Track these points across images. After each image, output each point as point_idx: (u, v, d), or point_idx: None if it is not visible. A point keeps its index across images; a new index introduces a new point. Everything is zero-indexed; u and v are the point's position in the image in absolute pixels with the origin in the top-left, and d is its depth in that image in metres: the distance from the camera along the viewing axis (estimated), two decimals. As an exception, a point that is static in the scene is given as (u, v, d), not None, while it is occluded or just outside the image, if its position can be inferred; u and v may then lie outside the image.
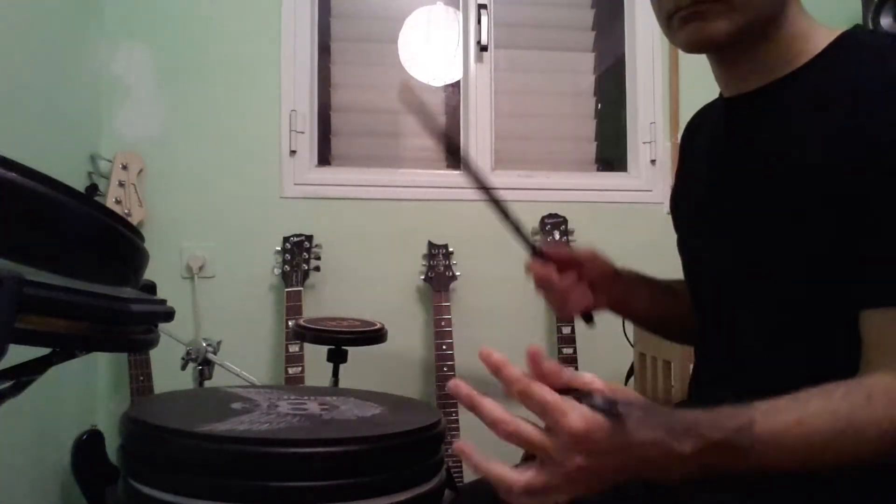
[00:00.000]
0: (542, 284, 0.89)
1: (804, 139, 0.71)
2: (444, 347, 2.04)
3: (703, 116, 0.96)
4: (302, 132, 2.19)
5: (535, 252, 0.88)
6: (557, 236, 2.11)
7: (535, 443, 0.57)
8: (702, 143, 0.92)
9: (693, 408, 0.90)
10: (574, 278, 0.90)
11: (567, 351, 2.05)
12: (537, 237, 2.21)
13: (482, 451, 0.60)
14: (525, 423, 0.58)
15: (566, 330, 2.09)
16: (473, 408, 0.59)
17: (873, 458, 0.61)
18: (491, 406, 0.59)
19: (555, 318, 2.13)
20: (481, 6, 2.30)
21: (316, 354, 1.66)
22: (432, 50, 2.36)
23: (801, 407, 0.60)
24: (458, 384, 0.60)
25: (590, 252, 0.93)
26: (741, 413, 0.59)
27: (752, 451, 0.59)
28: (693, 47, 0.76)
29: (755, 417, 0.59)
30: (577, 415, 0.55)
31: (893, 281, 0.64)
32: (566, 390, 0.59)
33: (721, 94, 0.87)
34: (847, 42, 0.73)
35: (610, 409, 0.55)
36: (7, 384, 0.54)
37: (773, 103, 0.76)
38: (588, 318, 0.93)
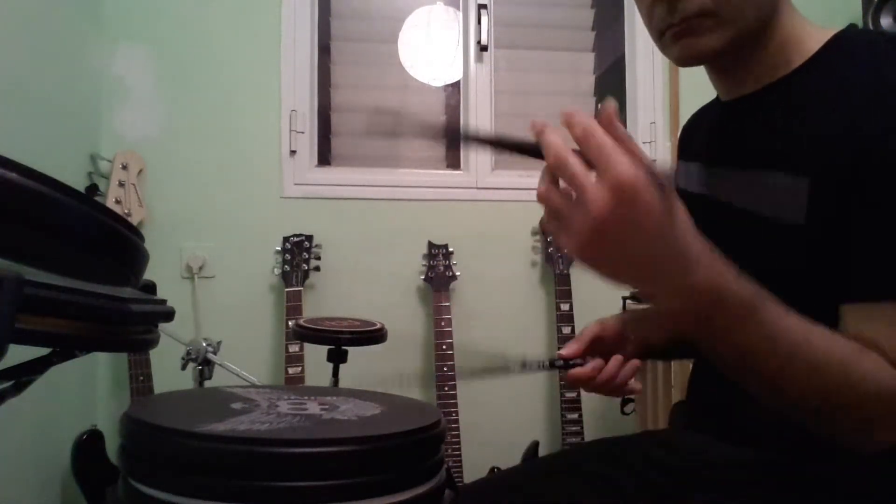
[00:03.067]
0: (599, 383, 0.85)
1: (801, 142, 0.71)
2: (444, 347, 2.04)
3: (701, 118, 0.96)
4: (302, 132, 2.19)
5: (564, 365, 0.83)
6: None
7: (577, 173, 0.51)
8: (699, 145, 0.93)
9: (693, 404, 0.90)
10: (605, 361, 0.85)
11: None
12: (537, 236, 2.22)
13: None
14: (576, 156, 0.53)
15: (566, 330, 2.09)
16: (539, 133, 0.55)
17: (839, 410, 0.60)
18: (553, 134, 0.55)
19: (555, 321, 2.13)
20: (481, 6, 2.30)
21: (316, 354, 1.66)
22: (432, 50, 2.36)
23: (809, 327, 0.59)
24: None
25: (597, 328, 0.88)
26: (760, 290, 0.57)
27: (754, 321, 0.56)
28: (686, 62, 0.77)
29: (768, 298, 0.57)
30: (631, 162, 0.49)
31: (881, 275, 0.64)
32: None
33: (718, 97, 0.87)
34: (841, 42, 0.73)
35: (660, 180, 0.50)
36: (7, 384, 0.54)
37: (769, 106, 0.77)
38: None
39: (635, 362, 0.87)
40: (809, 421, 0.63)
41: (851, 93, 0.67)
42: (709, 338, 0.58)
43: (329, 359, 1.53)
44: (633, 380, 0.87)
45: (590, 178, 0.51)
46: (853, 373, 0.59)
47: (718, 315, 0.56)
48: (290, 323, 1.93)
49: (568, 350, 0.84)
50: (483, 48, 2.30)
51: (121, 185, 1.93)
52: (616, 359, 0.85)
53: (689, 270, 0.53)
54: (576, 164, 0.52)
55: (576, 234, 0.52)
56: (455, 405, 2.00)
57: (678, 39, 0.75)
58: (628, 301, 1.98)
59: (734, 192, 0.54)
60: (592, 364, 0.84)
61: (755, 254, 0.74)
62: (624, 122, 2.67)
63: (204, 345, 1.52)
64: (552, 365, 0.84)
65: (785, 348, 0.58)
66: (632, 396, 1.98)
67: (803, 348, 0.58)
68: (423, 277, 2.13)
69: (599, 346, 0.86)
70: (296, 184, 2.18)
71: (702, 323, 0.57)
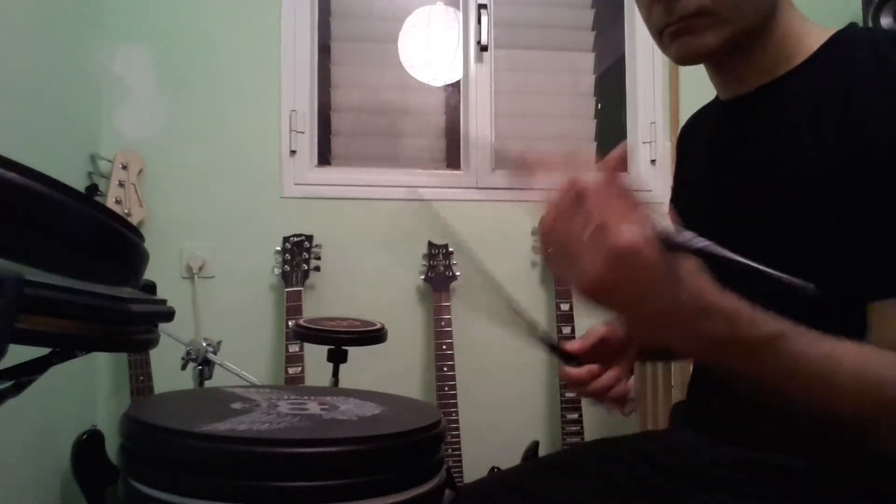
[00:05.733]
0: (590, 390, 0.85)
1: (802, 140, 0.71)
2: (444, 347, 2.04)
3: (700, 118, 0.96)
4: (302, 132, 2.19)
5: (563, 356, 0.84)
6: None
7: (572, 232, 0.52)
8: (699, 146, 0.92)
9: (693, 404, 0.90)
10: (603, 369, 0.86)
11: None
12: (537, 236, 2.22)
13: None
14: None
15: (566, 330, 2.09)
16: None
17: (886, 418, 0.59)
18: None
19: (555, 321, 2.13)
20: (481, 6, 2.30)
21: (316, 354, 1.66)
22: (432, 50, 2.36)
23: (833, 343, 0.58)
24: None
25: (604, 330, 0.88)
26: (779, 323, 0.57)
27: (775, 359, 0.57)
28: (684, 61, 0.77)
29: (788, 333, 0.57)
30: (630, 228, 0.51)
31: None
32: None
33: (717, 97, 0.87)
34: (841, 41, 0.73)
35: (671, 240, 0.51)
36: (7, 384, 0.54)
37: (769, 105, 0.76)
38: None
39: (631, 383, 0.87)
40: (853, 433, 0.61)
41: (855, 91, 0.67)
42: (729, 370, 0.59)
43: (329, 359, 1.53)
44: (627, 387, 0.87)
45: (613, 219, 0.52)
46: (891, 385, 0.58)
47: (732, 356, 0.56)
48: (290, 323, 1.93)
49: (571, 347, 0.85)
50: (483, 48, 2.30)
51: (121, 185, 1.93)
52: (613, 372, 0.85)
53: (697, 319, 0.54)
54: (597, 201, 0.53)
55: (585, 276, 0.52)
56: (455, 405, 2.00)
57: (676, 38, 0.75)
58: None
59: (734, 277, 0.53)
60: (589, 368, 0.84)
61: (762, 260, 0.74)
62: (624, 122, 2.64)
63: (204, 345, 1.52)
64: (553, 348, 0.83)
65: (813, 377, 0.58)
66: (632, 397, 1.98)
67: (835, 375, 0.58)
68: (423, 277, 2.13)
69: (604, 347, 0.86)
70: (296, 184, 2.18)
71: (718, 361, 0.58)
